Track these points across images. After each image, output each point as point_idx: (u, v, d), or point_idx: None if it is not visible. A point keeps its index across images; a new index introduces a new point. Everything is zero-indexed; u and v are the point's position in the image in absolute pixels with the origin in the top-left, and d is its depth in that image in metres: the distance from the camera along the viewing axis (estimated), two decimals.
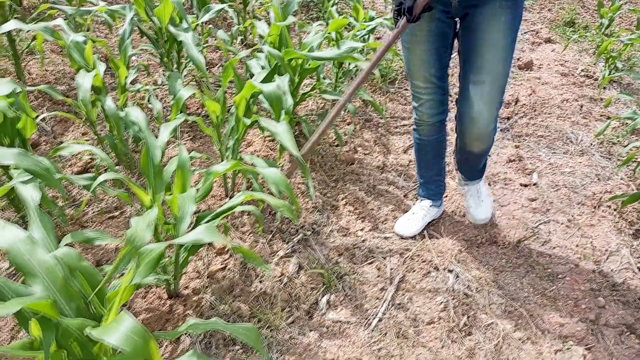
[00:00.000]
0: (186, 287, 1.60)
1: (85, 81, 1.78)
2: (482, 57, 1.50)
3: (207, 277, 1.63)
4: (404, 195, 2.15)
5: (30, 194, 1.23)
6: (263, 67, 2.07)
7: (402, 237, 1.89)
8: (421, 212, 1.92)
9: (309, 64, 2.10)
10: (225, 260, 1.71)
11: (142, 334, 0.84)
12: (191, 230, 1.16)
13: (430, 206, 1.93)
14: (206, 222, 1.38)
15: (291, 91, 2.06)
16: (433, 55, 1.59)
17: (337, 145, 2.42)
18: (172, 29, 2.21)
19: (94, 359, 1.01)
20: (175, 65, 2.62)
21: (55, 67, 2.77)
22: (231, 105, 1.84)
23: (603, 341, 1.51)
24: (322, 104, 2.74)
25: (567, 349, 1.48)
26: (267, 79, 1.87)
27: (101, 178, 1.37)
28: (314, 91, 2.36)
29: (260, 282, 1.64)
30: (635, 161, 2.39)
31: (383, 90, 3.00)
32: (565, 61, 3.55)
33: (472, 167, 1.88)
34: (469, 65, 1.55)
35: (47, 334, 0.90)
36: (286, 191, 1.38)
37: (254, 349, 1.39)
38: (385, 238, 1.89)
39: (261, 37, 2.33)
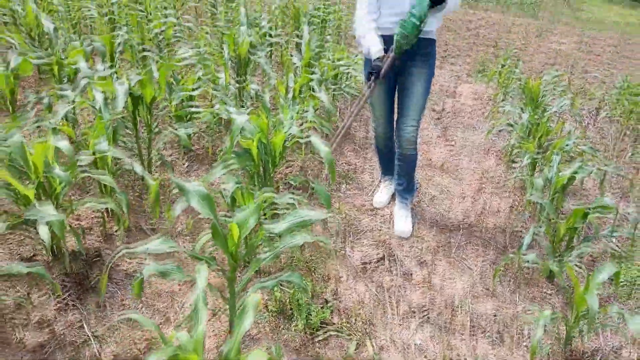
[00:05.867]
0: None
1: None
2: (409, 100, 2.48)
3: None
4: None
5: None
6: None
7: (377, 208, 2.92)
8: (386, 186, 3.00)
9: None
10: None
11: None
12: None
13: (391, 179, 2.97)
14: None
15: None
16: (385, 95, 2.58)
17: None
18: None
19: None
20: None
21: None
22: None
23: None
24: None
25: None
26: None
27: None
28: None
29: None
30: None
31: None
32: (477, 91, 5.39)
33: (408, 175, 2.67)
34: (402, 103, 2.52)
35: None
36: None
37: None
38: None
39: None
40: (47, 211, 1.80)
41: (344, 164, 3.37)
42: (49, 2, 4.18)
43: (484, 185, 3.31)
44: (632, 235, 2.26)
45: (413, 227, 2.74)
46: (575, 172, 2.58)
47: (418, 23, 2.20)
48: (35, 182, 1.94)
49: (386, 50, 2.37)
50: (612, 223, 2.56)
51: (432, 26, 2.41)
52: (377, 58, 2.35)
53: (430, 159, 3.61)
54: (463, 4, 18.09)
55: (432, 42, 2.46)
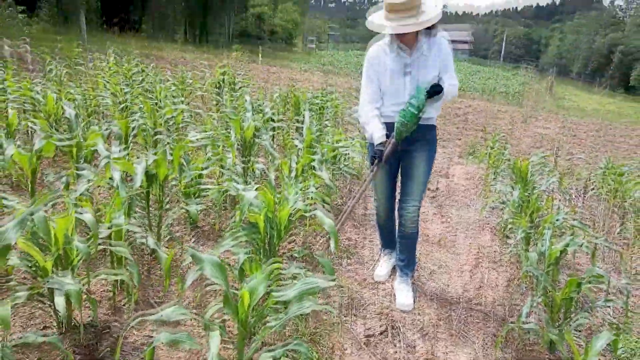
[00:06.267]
0: None
1: None
2: (411, 182, 2.65)
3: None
4: None
5: None
6: None
7: (378, 282, 2.95)
8: (386, 261, 3.08)
9: None
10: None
11: None
12: None
13: (391, 253, 3.11)
14: None
15: None
16: (388, 176, 2.75)
17: None
18: None
19: None
20: None
21: None
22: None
23: None
24: None
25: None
26: None
27: None
28: None
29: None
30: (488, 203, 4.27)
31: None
32: (468, 172, 5.64)
33: (409, 252, 2.79)
34: (404, 183, 2.68)
35: None
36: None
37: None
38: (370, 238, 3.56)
39: None
40: (65, 281, 1.88)
41: (345, 240, 3.48)
42: (68, 92, 4.50)
43: (480, 260, 3.40)
44: (626, 305, 2.34)
45: (414, 300, 2.79)
46: (567, 245, 2.70)
47: (416, 112, 2.43)
48: (54, 254, 2.03)
49: (388, 136, 2.57)
50: (605, 294, 2.64)
51: (432, 114, 2.65)
52: (380, 143, 2.55)
53: (428, 235, 3.73)
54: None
55: (432, 127, 2.69)
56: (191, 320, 2.30)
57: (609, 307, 2.56)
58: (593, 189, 4.82)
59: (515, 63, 55.04)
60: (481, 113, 11.53)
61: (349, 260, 3.20)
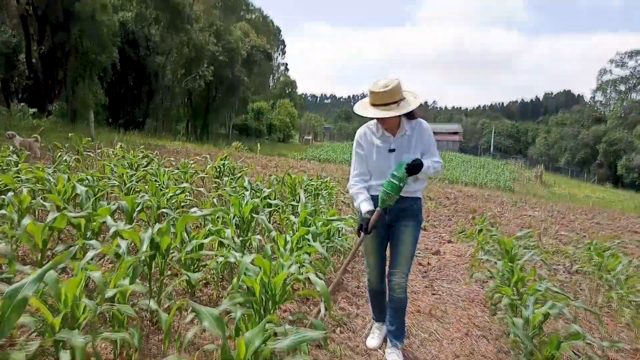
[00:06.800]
0: None
1: None
2: (399, 250, 2.83)
3: None
4: None
5: None
6: None
7: (370, 350, 3.02)
8: (377, 330, 3.18)
9: None
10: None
11: None
12: None
13: (382, 324, 3.17)
14: None
15: None
16: (378, 246, 2.95)
17: None
18: None
19: None
20: None
21: None
22: None
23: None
24: None
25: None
26: None
27: None
28: None
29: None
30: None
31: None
32: (459, 250, 5.81)
33: (399, 317, 2.89)
34: (393, 252, 2.87)
35: None
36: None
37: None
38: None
39: None
40: (73, 336, 2.01)
41: (339, 310, 3.58)
42: (77, 174, 4.81)
43: (470, 329, 3.49)
44: None
45: None
46: (550, 308, 2.84)
47: (398, 183, 2.69)
48: (62, 313, 2.17)
49: (376, 206, 2.82)
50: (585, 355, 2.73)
51: (417, 187, 2.90)
52: (367, 211, 2.79)
53: (419, 306, 3.84)
54: (442, 181, 19.83)
55: (418, 200, 2.93)
56: None
57: None
58: (579, 264, 4.98)
59: (505, 154, 57.05)
60: (472, 197, 11.90)
61: (342, 329, 3.29)
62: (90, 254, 2.67)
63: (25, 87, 22.40)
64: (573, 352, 2.57)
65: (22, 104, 17.82)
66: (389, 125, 2.85)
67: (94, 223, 3.27)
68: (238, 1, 43.11)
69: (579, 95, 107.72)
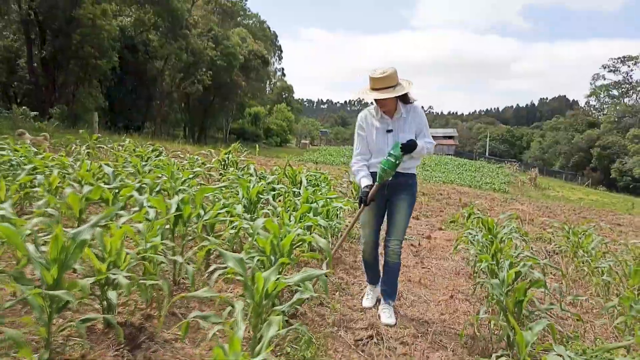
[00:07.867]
0: None
1: None
2: (395, 220, 3.22)
3: None
4: None
5: None
6: None
7: (365, 308, 3.45)
8: (371, 292, 3.60)
9: None
10: None
11: None
12: None
13: (375, 287, 3.63)
14: None
15: None
16: (373, 219, 3.34)
17: None
18: None
19: None
20: None
21: None
22: None
23: None
24: None
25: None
26: None
27: None
28: None
29: None
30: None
31: None
32: (448, 236, 6.26)
33: (392, 281, 3.33)
34: (390, 222, 3.26)
35: None
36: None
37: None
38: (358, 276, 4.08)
39: None
40: (120, 274, 2.44)
41: (338, 279, 4.01)
42: (99, 163, 5.24)
43: (455, 295, 3.92)
44: (560, 304, 2.87)
45: (397, 319, 3.29)
46: (522, 267, 3.28)
47: (394, 161, 3.10)
48: (107, 260, 2.60)
49: (374, 182, 3.24)
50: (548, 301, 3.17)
51: (412, 164, 3.31)
52: (366, 186, 3.22)
53: (410, 277, 4.27)
54: (436, 181, 20.36)
55: (413, 176, 3.34)
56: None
57: (552, 309, 3.08)
58: (557, 244, 5.43)
59: (500, 158, 57.70)
60: (464, 194, 12.37)
61: (341, 293, 3.72)
62: (124, 218, 3.10)
63: (25, 92, 22.80)
64: (536, 299, 3.00)
65: (23, 107, 18.19)
66: (387, 109, 3.26)
67: (121, 197, 3.69)
68: (236, 7, 43.73)
69: (573, 100, 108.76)
